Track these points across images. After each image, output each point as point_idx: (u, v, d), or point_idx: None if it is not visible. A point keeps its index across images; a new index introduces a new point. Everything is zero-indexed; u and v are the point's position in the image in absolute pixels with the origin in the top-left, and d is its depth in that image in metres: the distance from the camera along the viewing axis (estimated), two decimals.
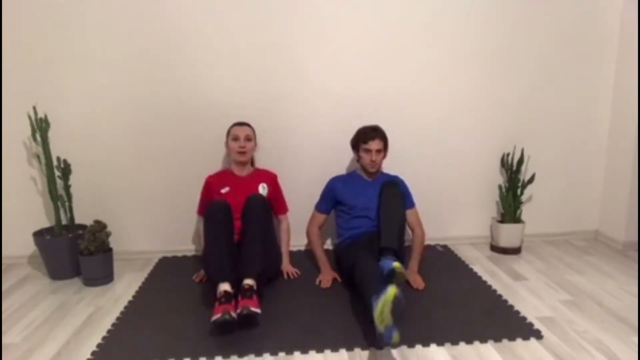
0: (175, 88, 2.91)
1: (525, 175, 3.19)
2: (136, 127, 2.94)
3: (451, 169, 3.19)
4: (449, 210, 3.25)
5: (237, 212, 2.52)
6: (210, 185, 2.73)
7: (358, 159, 2.80)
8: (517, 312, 2.27)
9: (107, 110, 2.91)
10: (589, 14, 3.06)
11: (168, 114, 2.94)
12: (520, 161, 3.10)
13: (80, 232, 2.81)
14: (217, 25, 2.85)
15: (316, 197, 2.89)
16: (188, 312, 2.31)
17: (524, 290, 2.55)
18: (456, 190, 3.23)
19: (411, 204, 2.83)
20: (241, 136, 2.67)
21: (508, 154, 3.15)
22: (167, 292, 2.55)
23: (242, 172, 2.77)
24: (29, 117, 2.68)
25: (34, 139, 2.70)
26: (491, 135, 3.17)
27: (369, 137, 2.69)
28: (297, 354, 1.96)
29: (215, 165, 3.02)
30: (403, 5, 2.93)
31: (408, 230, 2.76)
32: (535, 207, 3.30)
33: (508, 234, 3.09)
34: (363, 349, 1.98)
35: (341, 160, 3.09)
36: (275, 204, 2.83)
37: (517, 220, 3.11)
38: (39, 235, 2.77)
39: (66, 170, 2.81)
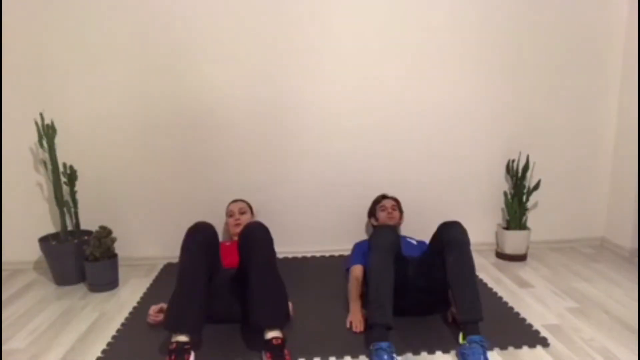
0: (182, 94, 2.93)
1: (530, 182, 3.18)
2: (142, 133, 2.96)
3: (456, 176, 3.18)
4: (454, 217, 3.23)
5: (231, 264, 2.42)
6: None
7: (375, 223, 2.87)
8: (523, 320, 2.26)
9: (113, 117, 2.93)
10: (594, 22, 3.06)
11: (174, 120, 2.95)
12: (526, 167, 3.09)
13: (86, 238, 2.82)
14: (223, 30, 2.87)
15: (319, 200, 2.91)
16: None
17: (529, 297, 2.54)
18: (461, 196, 3.22)
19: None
20: (235, 210, 2.79)
21: (513, 161, 3.15)
22: None
23: None
24: (36, 124, 2.70)
25: (41, 145, 2.72)
26: (496, 142, 3.17)
27: (382, 197, 2.91)
28: None
29: (221, 171, 3.03)
30: (408, 12, 2.93)
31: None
32: (541, 213, 3.29)
33: (513, 241, 3.07)
34: (368, 356, 1.97)
35: (345, 166, 3.09)
36: None
37: (522, 227, 3.10)
38: (44, 241, 2.78)
39: (72, 177, 2.82)
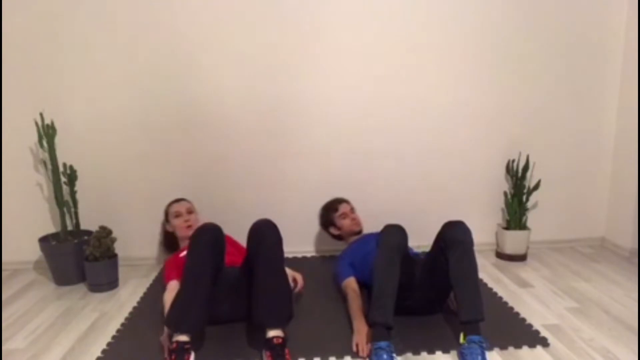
0: (183, 94, 2.93)
1: (530, 182, 3.18)
2: (142, 133, 2.96)
3: (456, 175, 3.18)
4: (454, 217, 3.23)
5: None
6: (170, 262, 2.44)
7: (338, 231, 2.80)
8: (523, 320, 2.26)
9: (114, 117, 2.93)
10: (594, 21, 3.06)
11: (175, 120, 2.95)
12: (526, 167, 3.09)
13: (86, 238, 2.82)
14: (223, 31, 2.87)
15: (320, 200, 2.91)
16: None
17: (529, 297, 2.54)
18: (461, 196, 3.22)
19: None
20: (183, 211, 2.70)
21: (513, 161, 3.15)
22: None
23: None
24: (36, 124, 2.70)
25: (41, 145, 2.72)
26: (496, 142, 3.17)
27: (336, 203, 2.82)
28: None
29: (221, 171, 3.03)
30: (409, 13, 2.93)
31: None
32: (541, 213, 3.29)
33: (513, 241, 3.07)
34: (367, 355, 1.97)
35: (346, 166, 3.09)
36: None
37: (522, 227, 3.10)
38: (44, 241, 2.78)
39: (72, 177, 2.82)
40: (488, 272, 2.91)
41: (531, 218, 3.25)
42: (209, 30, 2.86)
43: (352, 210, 2.82)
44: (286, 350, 1.86)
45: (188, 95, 2.93)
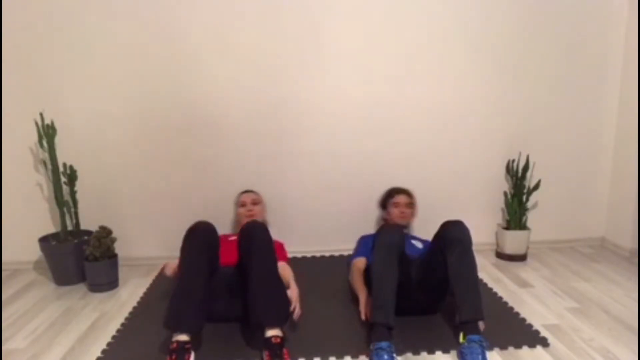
0: (182, 95, 2.93)
1: (530, 182, 3.18)
2: (142, 133, 2.96)
3: (456, 176, 3.19)
4: (454, 216, 3.23)
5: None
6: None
7: (387, 216, 2.82)
8: (523, 320, 2.26)
9: (113, 117, 2.93)
10: (594, 23, 3.06)
11: (174, 120, 2.95)
12: (526, 168, 3.09)
13: (86, 238, 2.82)
14: (224, 31, 2.87)
15: (321, 200, 2.90)
16: None
17: (529, 297, 2.54)
18: (461, 196, 3.22)
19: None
20: (248, 201, 2.78)
21: (513, 161, 3.15)
22: None
23: None
24: (36, 124, 2.70)
25: (41, 145, 2.72)
26: (496, 142, 3.17)
27: (396, 191, 2.80)
28: None
29: (222, 171, 3.03)
30: (409, 14, 2.93)
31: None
32: (541, 213, 3.29)
33: (513, 241, 3.07)
34: (368, 356, 1.97)
35: (346, 166, 3.09)
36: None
37: (522, 227, 3.10)
38: (44, 241, 2.78)
39: (72, 177, 2.82)
40: (488, 272, 2.91)
41: (531, 218, 3.25)
42: (209, 31, 2.86)
43: (409, 205, 2.76)
44: (285, 350, 1.87)
45: (188, 95, 2.93)
